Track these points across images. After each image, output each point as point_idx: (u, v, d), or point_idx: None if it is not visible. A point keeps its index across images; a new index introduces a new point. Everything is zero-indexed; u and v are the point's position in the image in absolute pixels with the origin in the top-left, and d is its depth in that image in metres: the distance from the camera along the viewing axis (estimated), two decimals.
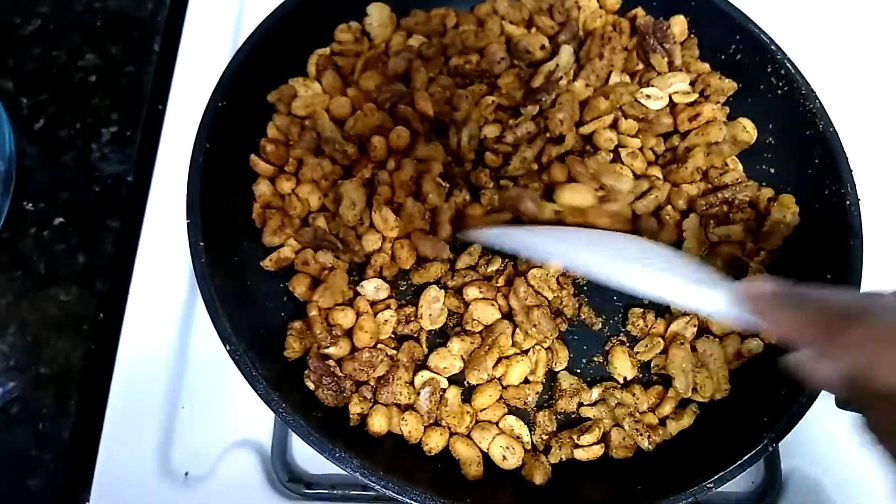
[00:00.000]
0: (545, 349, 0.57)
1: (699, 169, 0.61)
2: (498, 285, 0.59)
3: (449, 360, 0.56)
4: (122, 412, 0.60)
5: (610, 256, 0.50)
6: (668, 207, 0.61)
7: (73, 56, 0.72)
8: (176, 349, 0.62)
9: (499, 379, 0.57)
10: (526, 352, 0.57)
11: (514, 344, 0.57)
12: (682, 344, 0.57)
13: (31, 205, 0.66)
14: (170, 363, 0.62)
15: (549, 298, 0.58)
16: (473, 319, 0.57)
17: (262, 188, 0.60)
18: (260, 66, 0.60)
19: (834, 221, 0.57)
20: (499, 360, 0.57)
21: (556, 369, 0.58)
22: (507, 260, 0.60)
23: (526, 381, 0.57)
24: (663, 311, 0.60)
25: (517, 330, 0.57)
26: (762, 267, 0.59)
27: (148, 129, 0.70)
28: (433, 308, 0.57)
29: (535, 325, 0.56)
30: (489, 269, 0.59)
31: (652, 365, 0.59)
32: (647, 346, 0.58)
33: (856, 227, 0.56)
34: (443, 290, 0.58)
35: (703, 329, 0.58)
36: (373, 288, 0.59)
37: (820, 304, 0.38)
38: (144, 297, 0.63)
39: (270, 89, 0.62)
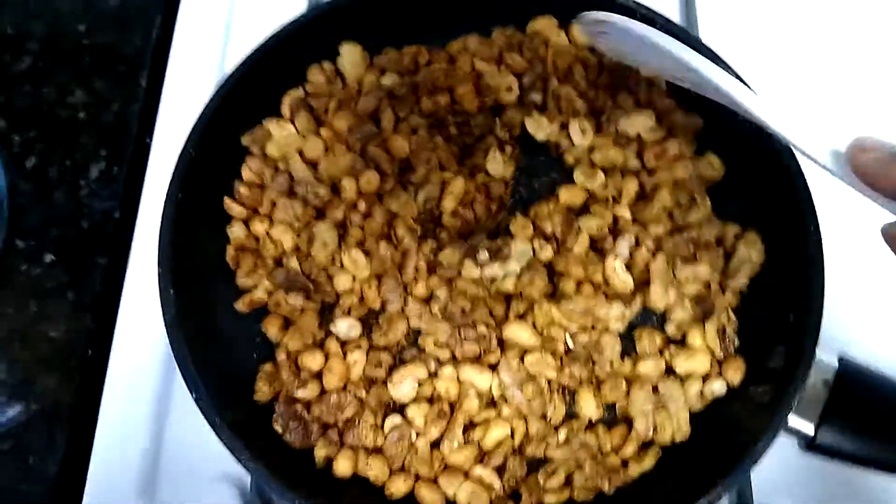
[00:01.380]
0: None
1: (666, 208, 0.61)
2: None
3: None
4: (109, 446, 0.62)
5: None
6: (642, 249, 0.61)
7: (62, 92, 0.74)
8: (161, 384, 0.64)
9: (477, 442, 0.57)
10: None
11: (492, 405, 0.58)
12: (643, 385, 0.57)
13: (22, 242, 0.69)
14: (154, 398, 0.64)
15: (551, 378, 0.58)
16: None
17: (237, 230, 0.62)
18: (233, 110, 0.61)
19: (797, 255, 0.57)
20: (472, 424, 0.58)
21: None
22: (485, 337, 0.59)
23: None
24: (630, 350, 0.60)
25: (500, 400, 0.58)
26: (729, 307, 0.60)
27: (134, 165, 0.72)
28: (405, 387, 0.58)
29: (529, 400, 0.56)
30: (466, 349, 0.58)
31: (617, 406, 0.59)
32: (611, 386, 0.58)
33: (817, 260, 0.56)
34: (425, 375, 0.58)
35: (668, 368, 0.59)
36: (346, 326, 0.60)
37: None
38: (130, 334, 0.65)
39: (244, 131, 0.64)
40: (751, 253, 0.60)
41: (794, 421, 0.53)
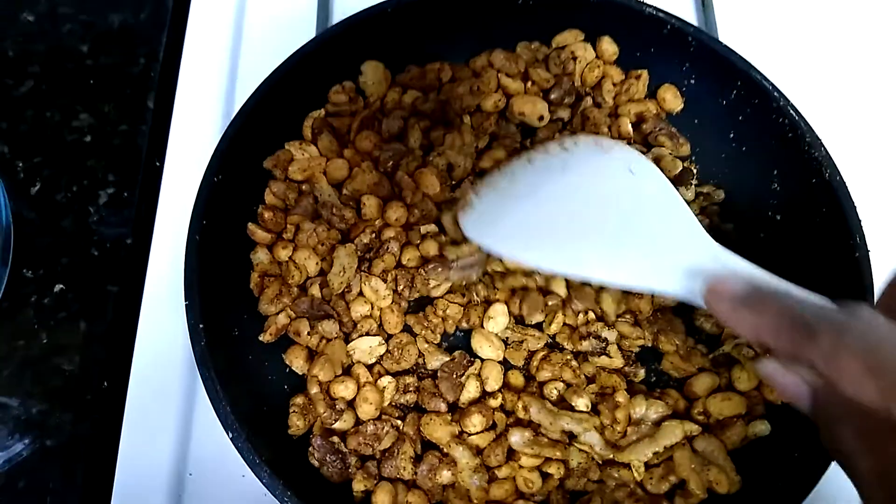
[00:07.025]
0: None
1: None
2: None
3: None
4: (130, 482, 0.60)
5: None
6: None
7: (66, 116, 0.72)
8: (181, 415, 0.62)
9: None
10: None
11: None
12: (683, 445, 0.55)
13: (30, 272, 0.66)
14: (175, 430, 0.61)
15: None
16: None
17: (260, 256, 0.60)
18: (254, 134, 0.59)
19: (844, 273, 0.56)
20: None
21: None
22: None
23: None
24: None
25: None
26: None
27: (145, 188, 0.70)
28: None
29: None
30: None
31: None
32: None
33: (867, 280, 0.55)
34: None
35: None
36: (367, 347, 0.58)
37: (786, 309, 0.36)
38: (148, 363, 0.63)
39: (266, 155, 0.62)
40: None
41: None
